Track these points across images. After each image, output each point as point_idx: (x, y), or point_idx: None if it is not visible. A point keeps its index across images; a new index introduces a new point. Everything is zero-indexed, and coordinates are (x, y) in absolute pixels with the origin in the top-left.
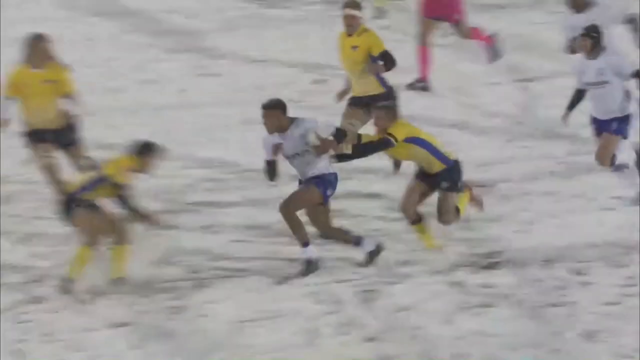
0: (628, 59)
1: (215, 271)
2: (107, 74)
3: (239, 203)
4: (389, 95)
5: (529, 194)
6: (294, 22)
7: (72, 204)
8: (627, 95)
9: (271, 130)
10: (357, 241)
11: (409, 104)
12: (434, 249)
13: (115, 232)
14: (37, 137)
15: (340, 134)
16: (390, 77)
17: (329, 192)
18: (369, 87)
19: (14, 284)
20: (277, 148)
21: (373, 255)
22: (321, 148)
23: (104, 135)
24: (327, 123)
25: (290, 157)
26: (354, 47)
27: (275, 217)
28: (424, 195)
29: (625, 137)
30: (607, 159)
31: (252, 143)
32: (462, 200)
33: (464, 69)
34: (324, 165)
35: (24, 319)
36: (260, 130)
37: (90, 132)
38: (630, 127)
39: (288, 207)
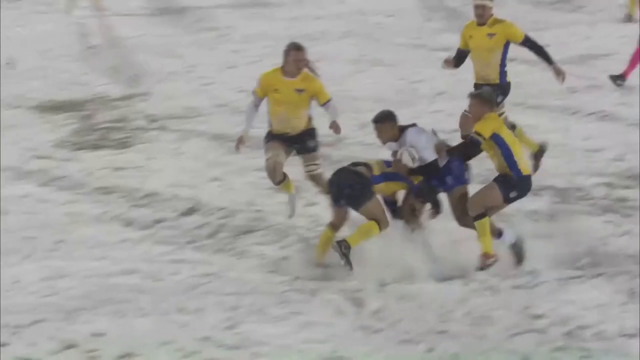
0: None
1: None
2: None
3: None
4: (503, 89)
5: None
6: None
7: (367, 189)
8: None
9: (385, 141)
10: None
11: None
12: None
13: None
14: (276, 138)
15: (427, 166)
16: None
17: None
18: (490, 76)
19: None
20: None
21: (517, 248)
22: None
23: None
24: (416, 147)
25: None
26: (491, 35)
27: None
28: None
29: None
30: None
31: None
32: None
33: None
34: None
35: None
36: None
37: None
38: None
39: (466, 217)
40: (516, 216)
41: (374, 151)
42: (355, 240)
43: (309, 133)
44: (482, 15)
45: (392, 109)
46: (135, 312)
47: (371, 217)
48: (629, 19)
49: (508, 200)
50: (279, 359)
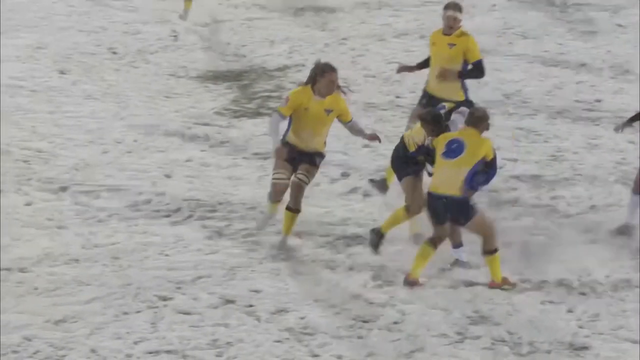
0: None
1: None
2: None
3: None
4: (466, 105)
5: None
6: None
7: (410, 163)
8: None
9: (429, 135)
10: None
11: None
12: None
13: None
14: (289, 152)
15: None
16: None
17: None
18: (450, 91)
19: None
20: None
21: (458, 263)
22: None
23: None
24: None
25: None
26: (451, 45)
27: None
28: None
29: None
30: None
31: None
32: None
33: None
34: None
35: None
36: None
37: None
38: None
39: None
40: None
41: (515, 121)
42: (386, 226)
43: (320, 154)
44: (452, 27)
45: (536, 79)
46: (290, 270)
47: (407, 195)
48: None
49: (434, 221)
50: (425, 316)
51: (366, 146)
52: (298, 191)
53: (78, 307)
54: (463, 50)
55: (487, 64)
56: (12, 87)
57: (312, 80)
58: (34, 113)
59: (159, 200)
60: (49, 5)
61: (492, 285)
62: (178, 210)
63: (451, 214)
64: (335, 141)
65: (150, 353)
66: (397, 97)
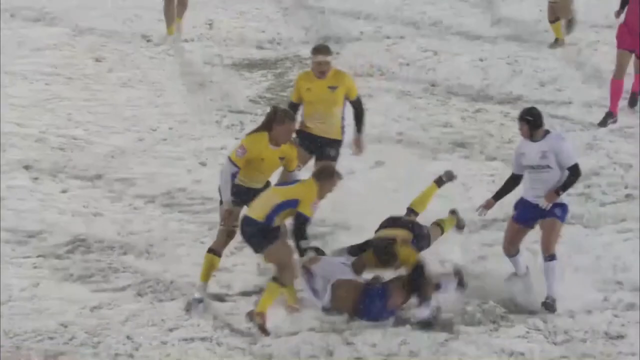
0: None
1: None
2: None
3: None
4: (341, 144)
5: None
6: None
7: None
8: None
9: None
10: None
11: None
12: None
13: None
14: (240, 196)
15: None
16: None
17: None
18: (332, 130)
19: None
20: None
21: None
22: None
23: None
24: None
25: None
26: (333, 88)
27: None
28: None
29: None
30: (554, 245)
31: None
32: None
33: None
34: None
35: None
36: None
37: None
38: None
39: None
40: None
41: (551, 109)
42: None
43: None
44: (325, 72)
45: (572, 67)
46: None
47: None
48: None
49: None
50: (459, 305)
51: (400, 134)
52: (224, 238)
53: (113, 294)
54: (346, 89)
55: (524, 53)
56: (48, 74)
57: (269, 126)
58: (69, 100)
59: (194, 188)
60: None
61: (250, 314)
62: (213, 198)
63: (246, 237)
64: (369, 128)
65: (185, 340)
66: (432, 85)
